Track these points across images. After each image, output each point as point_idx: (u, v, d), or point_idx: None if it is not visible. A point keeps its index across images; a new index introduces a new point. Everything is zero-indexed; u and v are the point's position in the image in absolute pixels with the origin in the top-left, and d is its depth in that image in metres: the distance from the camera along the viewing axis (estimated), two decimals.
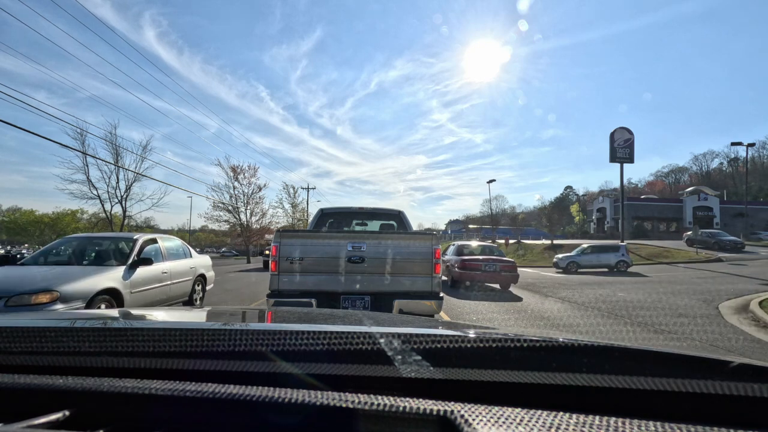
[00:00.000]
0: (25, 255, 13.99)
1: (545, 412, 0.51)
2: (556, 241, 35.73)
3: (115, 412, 0.56)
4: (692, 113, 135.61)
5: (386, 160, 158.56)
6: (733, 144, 35.13)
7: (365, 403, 0.52)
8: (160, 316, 1.26)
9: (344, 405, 0.52)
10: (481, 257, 11.89)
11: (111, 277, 5.25)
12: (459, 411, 0.50)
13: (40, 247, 27.40)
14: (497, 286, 11.87)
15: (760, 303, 7.28)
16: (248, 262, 35.03)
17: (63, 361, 0.70)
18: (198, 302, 7.78)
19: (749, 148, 34.00)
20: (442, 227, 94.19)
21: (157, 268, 6.24)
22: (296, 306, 4.07)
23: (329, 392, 0.55)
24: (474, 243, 14.64)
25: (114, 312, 1.33)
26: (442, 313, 5.35)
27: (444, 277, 12.01)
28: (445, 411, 0.50)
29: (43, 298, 4.45)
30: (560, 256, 22.08)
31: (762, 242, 33.88)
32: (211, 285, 8.70)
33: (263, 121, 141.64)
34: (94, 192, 32.13)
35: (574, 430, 0.47)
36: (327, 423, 0.52)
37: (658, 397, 0.57)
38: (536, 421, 0.49)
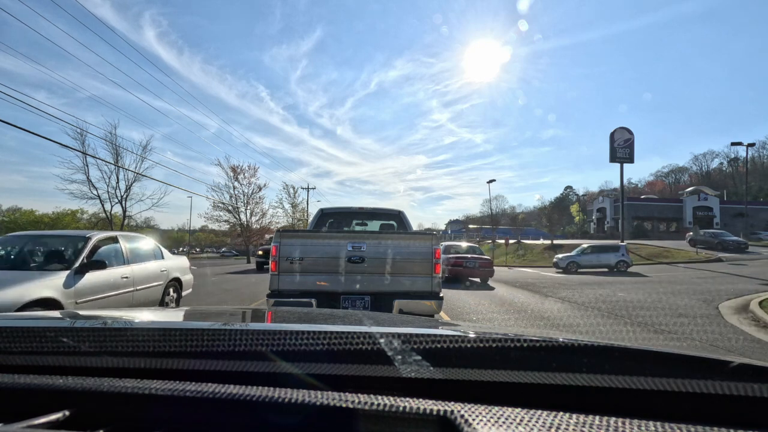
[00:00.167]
0: None
1: (545, 412, 0.51)
2: (556, 241, 35.76)
3: (115, 412, 0.56)
4: (692, 113, 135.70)
5: (386, 160, 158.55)
6: (733, 144, 35.11)
7: (365, 403, 0.52)
8: (160, 316, 1.27)
9: (344, 405, 0.52)
10: (463, 255, 14.04)
11: (48, 285, 4.39)
12: (459, 411, 0.50)
13: None
14: (478, 280, 14.00)
15: (760, 303, 7.28)
16: (248, 262, 35.04)
17: (63, 361, 0.70)
18: None
19: (749, 148, 33.97)
20: (442, 227, 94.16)
21: (114, 272, 5.41)
22: (296, 306, 4.08)
23: (329, 392, 0.55)
24: (460, 243, 17.32)
25: (114, 312, 1.33)
26: (442, 313, 5.35)
27: None
28: (445, 411, 0.50)
29: None
30: (560, 256, 22.10)
31: (762, 242, 33.90)
32: (189, 290, 7.64)
33: (263, 121, 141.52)
34: (94, 192, 32.20)
35: (574, 430, 0.47)
36: (327, 423, 0.52)
37: (658, 397, 0.57)
38: (536, 421, 0.49)
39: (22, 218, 45.84)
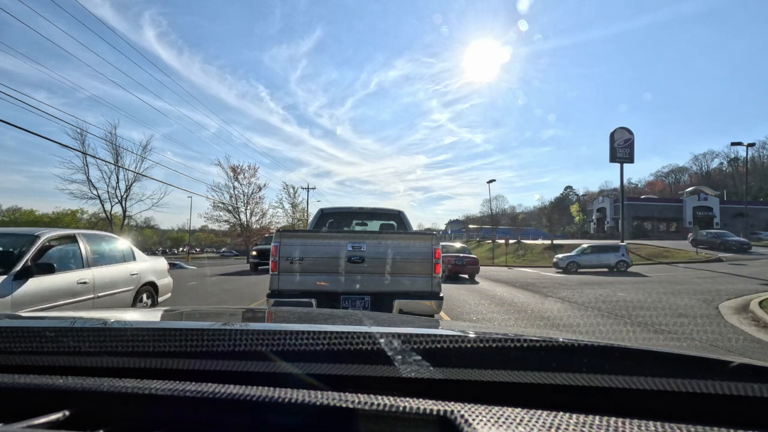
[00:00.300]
0: None
1: (545, 412, 0.51)
2: (556, 241, 35.75)
3: (115, 412, 0.56)
4: (692, 113, 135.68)
5: (386, 160, 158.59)
6: (733, 144, 35.11)
7: (365, 403, 0.52)
8: (160, 316, 1.27)
9: (344, 405, 0.52)
10: (454, 254, 16.00)
11: None
12: (459, 411, 0.50)
13: None
14: (467, 276, 15.97)
15: (760, 303, 7.28)
16: (248, 262, 35.05)
17: (63, 361, 0.70)
18: None
19: (749, 148, 33.97)
20: (442, 227, 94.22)
21: (68, 277, 4.74)
22: (296, 306, 4.08)
23: (329, 392, 0.55)
24: (453, 244, 19.94)
25: (114, 312, 1.33)
26: (442, 313, 5.35)
27: None
28: (445, 411, 0.50)
29: None
30: (560, 256, 22.12)
31: (762, 242, 33.86)
32: (167, 295, 6.86)
33: (263, 121, 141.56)
34: (94, 192, 32.26)
35: (574, 430, 0.47)
36: (327, 423, 0.52)
37: (658, 397, 0.57)
38: (536, 421, 0.49)
39: (22, 218, 45.93)
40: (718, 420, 0.51)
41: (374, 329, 0.72)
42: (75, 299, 4.77)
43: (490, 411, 0.52)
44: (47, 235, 4.80)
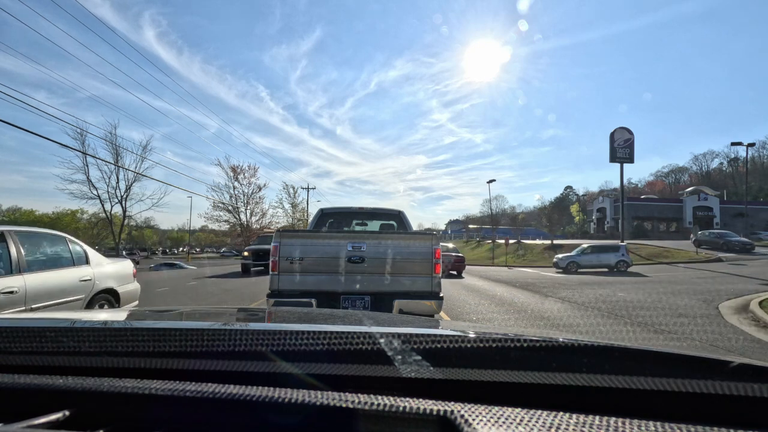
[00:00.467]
0: None
1: (545, 412, 0.51)
2: (556, 241, 35.75)
3: (115, 412, 0.56)
4: (692, 113, 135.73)
5: (386, 160, 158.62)
6: (733, 144, 35.09)
7: (365, 403, 0.52)
8: (160, 316, 1.26)
9: (344, 405, 0.52)
10: (444, 253, 18.78)
11: None
12: (459, 411, 0.50)
13: None
14: (455, 272, 18.48)
15: (760, 303, 7.28)
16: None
17: (63, 361, 0.70)
18: None
19: (749, 148, 33.97)
20: (442, 227, 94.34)
21: None
22: (296, 306, 4.08)
23: (329, 392, 0.55)
24: (446, 244, 22.09)
25: (114, 312, 1.33)
26: (442, 313, 5.35)
27: None
28: (445, 411, 0.50)
29: None
30: (560, 256, 22.11)
31: (762, 242, 33.84)
32: (134, 303, 5.79)
33: (263, 121, 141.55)
34: (94, 192, 32.33)
35: (574, 430, 0.47)
36: (327, 423, 0.52)
37: (658, 397, 0.57)
38: (536, 421, 0.49)
39: (21, 218, 45.94)
40: (718, 420, 0.51)
41: (374, 329, 0.72)
42: None
43: (490, 411, 0.52)
44: None
